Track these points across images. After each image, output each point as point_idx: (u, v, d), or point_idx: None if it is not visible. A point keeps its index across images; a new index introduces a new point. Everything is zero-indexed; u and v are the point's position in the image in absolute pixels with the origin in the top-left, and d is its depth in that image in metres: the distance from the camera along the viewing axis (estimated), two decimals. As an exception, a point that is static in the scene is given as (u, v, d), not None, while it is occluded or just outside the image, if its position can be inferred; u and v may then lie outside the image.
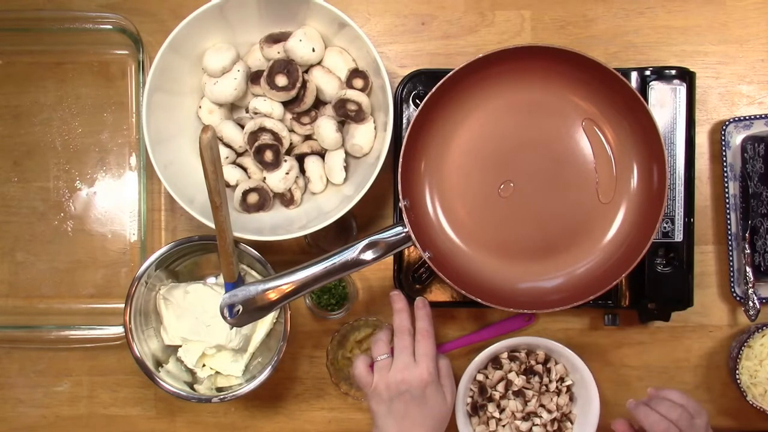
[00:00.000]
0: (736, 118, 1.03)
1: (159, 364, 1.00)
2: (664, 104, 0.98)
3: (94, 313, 1.07)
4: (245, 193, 0.99)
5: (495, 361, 1.03)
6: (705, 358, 1.07)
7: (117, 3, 1.06)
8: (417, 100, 1.00)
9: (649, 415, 0.88)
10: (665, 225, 0.98)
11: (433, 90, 0.90)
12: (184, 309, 1.00)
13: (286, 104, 0.99)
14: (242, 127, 1.00)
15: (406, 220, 0.88)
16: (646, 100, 0.97)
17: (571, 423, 1.03)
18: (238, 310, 0.88)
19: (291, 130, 1.01)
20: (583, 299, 0.90)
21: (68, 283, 1.07)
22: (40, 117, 1.07)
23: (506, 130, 0.96)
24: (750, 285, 1.01)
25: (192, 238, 0.98)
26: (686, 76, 0.98)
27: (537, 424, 1.02)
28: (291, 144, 1.00)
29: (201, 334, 1.00)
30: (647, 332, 1.07)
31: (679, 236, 0.98)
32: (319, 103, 1.01)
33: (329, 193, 1.02)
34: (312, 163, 1.00)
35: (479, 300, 0.89)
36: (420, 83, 1.00)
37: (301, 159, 1.01)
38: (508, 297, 0.94)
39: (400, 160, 0.90)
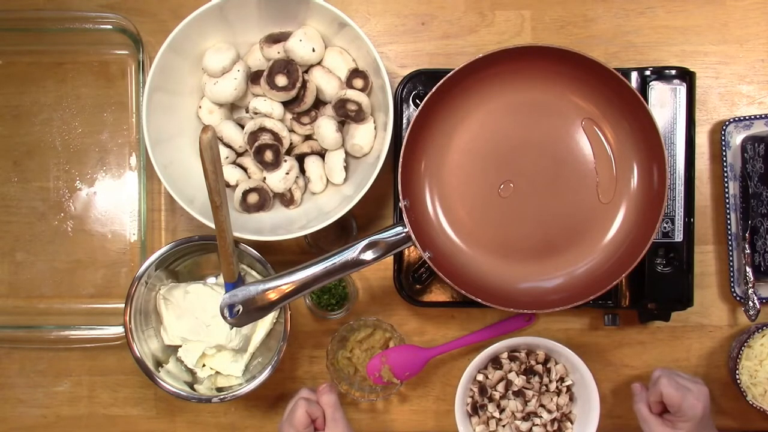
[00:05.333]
0: (736, 118, 1.03)
1: (159, 364, 1.00)
2: (664, 104, 0.98)
3: (94, 313, 1.07)
4: (245, 193, 0.99)
5: (495, 361, 1.03)
6: (705, 358, 1.07)
7: (117, 3, 1.06)
8: (417, 100, 1.00)
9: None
10: (665, 225, 0.98)
11: (433, 90, 0.90)
12: (184, 309, 1.00)
13: (286, 104, 0.99)
14: (242, 127, 1.00)
15: (406, 220, 0.88)
16: (646, 100, 0.97)
17: (571, 423, 1.03)
18: (238, 310, 0.88)
19: (291, 130, 1.01)
20: (583, 299, 0.90)
21: (68, 283, 1.07)
22: (40, 117, 1.07)
23: (506, 130, 0.96)
24: (750, 285, 1.01)
25: (192, 238, 0.98)
26: (686, 76, 0.98)
27: (537, 424, 1.02)
28: (291, 144, 1.00)
29: (201, 334, 1.00)
30: (647, 332, 1.07)
31: (679, 236, 0.98)
32: (319, 103, 1.01)
33: (329, 193, 1.02)
34: (312, 163, 1.00)
35: (479, 300, 0.89)
36: (420, 83, 1.00)
37: (301, 159, 1.01)
38: (508, 297, 0.94)
39: (400, 160, 0.90)
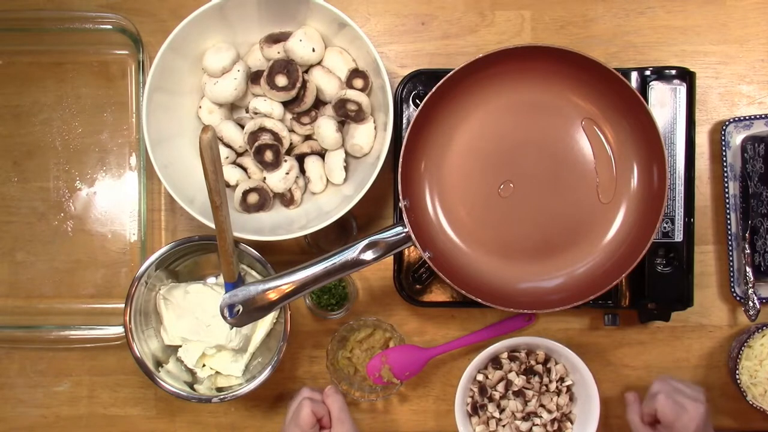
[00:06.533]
0: (736, 118, 1.03)
1: (159, 364, 1.00)
2: (664, 104, 0.98)
3: (94, 313, 1.07)
4: (245, 193, 0.99)
5: (495, 361, 1.03)
6: (705, 358, 1.07)
7: (117, 3, 1.06)
8: (417, 100, 1.00)
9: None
10: (665, 225, 0.98)
11: (433, 90, 0.90)
12: (184, 309, 1.00)
13: (286, 104, 0.99)
14: (242, 127, 1.00)
15: (406, 220, 0.88)
16: (646, 100, 0.97)
17: (571, 423, 1.03)
18: (238, 310, 0.88)
19: (291, 130, 1.01)
20: (583, 299, 0.90)
21: (68, 283, 1.07)
22: (40, 117, 1.07)
23: (506, 130, 0.96)
24: (750, 285, 1.01)
25: (192, 238, 0.98)
26: (686, 76, 0.98)
27: (537, 424, 1.02)
28: (291, 144, 1.00)
29: (201, 334, 1.00)
30: (647, 332, 1.07)
31: (679, 236, 0.98)
32: (319, 103, 1.01)
33: (329, 193, 1.02)
34: (312, 163, 1.00)
35: (479, 300, 0.89)
36: (420, 83, 1.00)
37: (301, 159, 1.01)
38: (508, 297, 0.94)
39: (400, 160, 0.90)
